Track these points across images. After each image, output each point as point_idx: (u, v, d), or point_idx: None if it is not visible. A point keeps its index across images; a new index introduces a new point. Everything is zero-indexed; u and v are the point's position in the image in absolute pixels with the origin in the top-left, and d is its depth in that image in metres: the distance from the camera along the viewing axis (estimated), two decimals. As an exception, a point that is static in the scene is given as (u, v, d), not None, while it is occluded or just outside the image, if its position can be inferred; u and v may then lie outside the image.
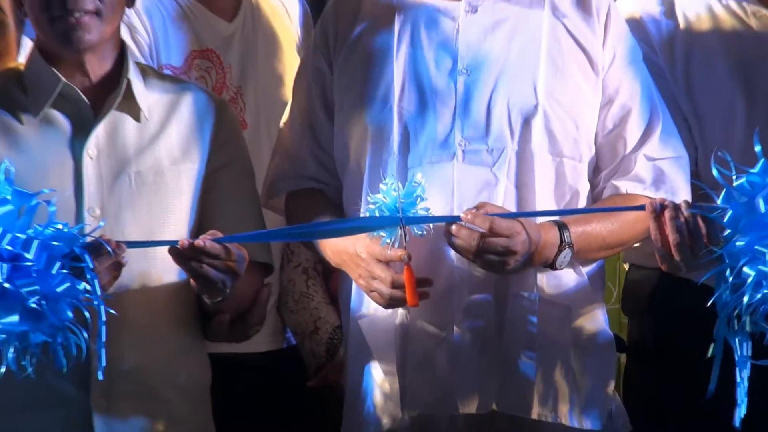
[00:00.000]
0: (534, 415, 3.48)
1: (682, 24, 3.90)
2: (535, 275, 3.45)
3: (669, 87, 3.80)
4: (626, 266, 4.07)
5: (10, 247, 3.00)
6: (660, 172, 3.50)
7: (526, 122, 3.48)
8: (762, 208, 3.11)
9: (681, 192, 3.49)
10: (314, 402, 3.96)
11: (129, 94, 3.41)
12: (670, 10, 3.93)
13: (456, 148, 3.48)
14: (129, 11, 3.70)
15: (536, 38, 3.55)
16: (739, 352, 3.18)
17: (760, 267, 3.09)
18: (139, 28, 3.92)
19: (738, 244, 3.13)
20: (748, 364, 3.19)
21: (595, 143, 3.58)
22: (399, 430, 3.55)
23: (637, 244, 3.69)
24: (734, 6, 3.90)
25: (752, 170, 3.13)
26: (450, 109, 3.51)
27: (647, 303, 3.91)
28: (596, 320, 3.62)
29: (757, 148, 3.14)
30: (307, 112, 3.70)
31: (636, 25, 3.87)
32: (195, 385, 3.59)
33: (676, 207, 3.19)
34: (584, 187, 3.54)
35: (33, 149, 3.37)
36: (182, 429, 3.53)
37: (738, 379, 3.19)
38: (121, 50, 3.50)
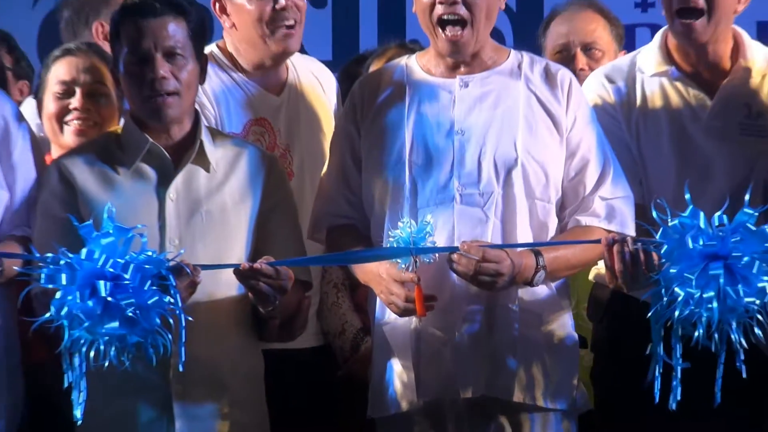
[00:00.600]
0: (516, 399, 3.55)
1: (639, 96, 3.91)
2: (516, 291, 3.51)
3: (625, 138, 3.84)
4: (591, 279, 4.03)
5: (112, 269, 3.09)
6: (612, 208, 3.55)
7: (509, 172, 3.56)
8: (690, 244, 3.21)
9: (628, 223, 3.57)
10: (343, 387, 3.97)
11: (201, 151, 3.51)
12: (632, 85, 3.93)
13: (455, 193, 3.56)
14: (200, 88, 3.74)
15: (514, 106, 3.62)
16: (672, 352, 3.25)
17: (688, 289, 3.18)
18: (206, 104, 3.95)
19: (671, 270, 3.22)
20: (679, 366, 3.26)
21: (561, 187, 3.63)
22: (414, 411, 3.59)
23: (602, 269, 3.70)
24: (680, 87, 3.90)
25: (683, 214, 3.22)
26: (449, 162, 3.59)
27: (605, 313, 3.92)
28: (564, 325, 3.68)
29: (687, 197, 3.23)
30: (341, 166, 3.74)
31: (605, 92, 3.92)
32: (252, 375, 3.62)
33: (623, 241, 3.30)
34: (553, 222, 3.60)
35: (127, 194, 3.45)
36: (242, 409, 3.55)
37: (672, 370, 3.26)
38: (196, 117, 3.59)
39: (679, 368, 3.29)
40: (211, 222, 3.53)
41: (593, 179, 3.64)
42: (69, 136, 3.83)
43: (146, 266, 3.17)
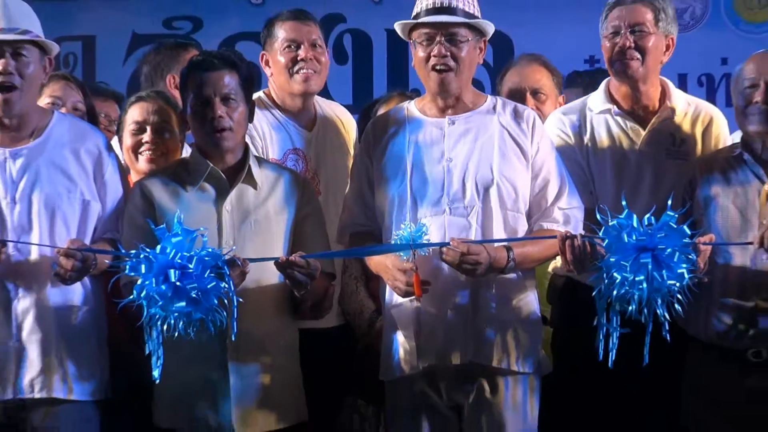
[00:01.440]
0: (494, 364, 3.54)
1: (589, 128, 3.91)
2: (494, 278, 3.50)
3: (579, 160, 3.84)
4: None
5: (180, 261, 3.15)
6: (567, 216, 3.55)
7: (486, 190, 3.56)
8: (625, 239, 3.24)
9: (579, 227, 3.54)
10: (361, 357, 3.95)
11: (249, 173, 3.53)
12: (583, 120, 3.93)
13: (445, 207, 3.56)
14: (250, 125, 3.74)
15: (490, 139, 3.62)
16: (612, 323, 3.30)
17: (624, 274, 3.21)
18: (255, 137, 3.96)
19: (611, 259, 3.25)
20: (616, 332, 3.30)
21: (528, 201, 3.62)
22: (415, 374, 3.57)
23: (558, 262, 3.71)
24: (620, 121, 3.89)
25: (620, 216, 3.27)
26: (441, 183, 3.59)
27: (560, 296, 3.92)
28: (530, 304, 3.65)
29: (624, 203, 3.28)
30: (359, 188, 3.75)
31: (563, 126, 3.93)
32: (289, 345, 3.62)
33: (574, 237, 3.33)
34: (522, 227, 3.58)
35: (193, 206, 3.47)
36: (281, 372, 3.56)
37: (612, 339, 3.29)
38: (246, 147, 3.61)
39: (616, 334, 3.31)
40: (257, 228, 3.54)
41: (553, 194, 3.63)
42: (143, 164, 3.84)
43: (206, 259, 3.21)
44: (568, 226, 3.56)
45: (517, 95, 4.15)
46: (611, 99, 3.95)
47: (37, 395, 3.44)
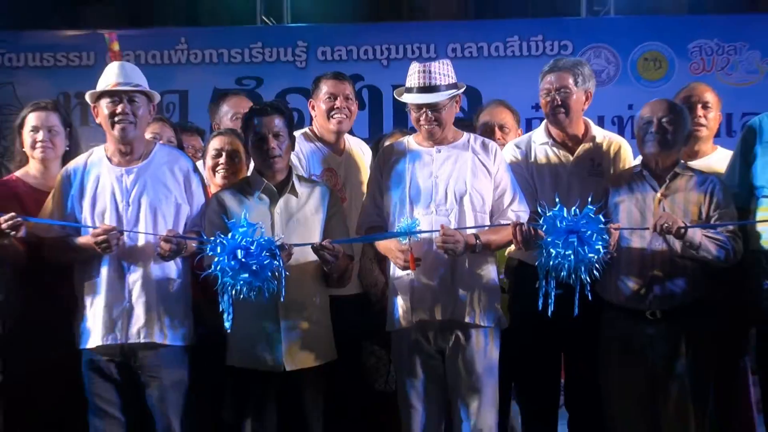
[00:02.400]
0: (466, 320, 3.51)
1: (533, 155, 3.87)
2: (466, 257, 3.49)
3: (527, 177, 3.81)
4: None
5: (244, 244, 3.21)
6: (518, 216, 3.53)
7: (461, 199, 3.55)
8: (558, 224, 3.29)
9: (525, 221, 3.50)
10: (374, 316, 3.85)
11: (293, 187, 3.54)
12: (529, 149, 3.88)
13: (433, 209, 3.55)
14: (294, 152, 3.77)
15: (465, 163, 3.61)
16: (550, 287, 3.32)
17: (557, 249, 3.26)
18: (302, 159, 3.94)
19: (548, 239, 3.30)
20: (553, 291, 3.34)
21: (491, 205, 3.61)
22: (410, 327, 3.55)
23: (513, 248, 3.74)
24: (555, 150, 3.85)
25: (555, 209, 3.32)
26: (429, 193, 3.57)
27: (513, 272, 3.89)
28: (491, 276, 3.61)
29: (557, 204, 3.33)
30: (373, 195, 3.72)
31: (516, 152, 3.89)
32: (322, 306, 3.60)
33: (522, 224, 3.39)
34: (486, 223, 3.58)
35: (252, 209, 3.45)
36: (317, 325, 3.55)
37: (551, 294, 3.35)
38: (290, 168, 3.62)
39: (553, 293, 3.34)
40: (299, 225, 3.54)
41: (508, 200, 3.62)
42: (219, 180, 3.84)
43: (263, 243, 3.25)
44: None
45: (488, 129, 4.14)
46: (549, 135, 3.90)
47: (142, 341, 3.46)
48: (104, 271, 3.48)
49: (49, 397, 3.64)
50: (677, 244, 3.39)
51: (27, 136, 3.75)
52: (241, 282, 3.24)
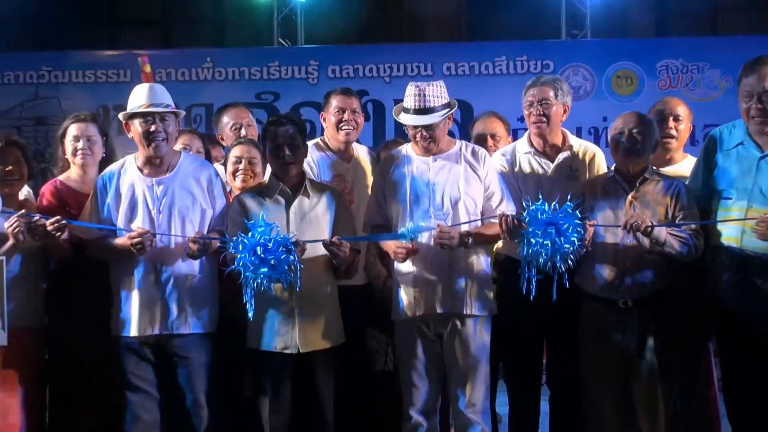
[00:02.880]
0: (463, 311, 3.52)
1: (518, 162, 3.81)
2: (461, 253, 3.50)
3: (512, 182, 3.74)
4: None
5: (263, 242, 3.21)
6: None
7: (456, 203, 3.54)
8: (539, 217, 3.30)
9: None
10: (379, 305, 3.79)
11: (305, 189, 3.53)
12: (514, 157, 3.82)
13: (431, 213, 3.53)
14: (307, 159, 3.75)
15: (458, 170, 3.59)
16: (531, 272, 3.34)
17: (537, 239, 3.27)
18: (314, 167, 3.90)
19: (529, 230, 3.30)
20: (534, 278, 3.34)
21: (482, 206, 3.58)
22: (413, 317, 3.55)
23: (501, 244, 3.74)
24: (537, 158, 3.78)
25: (537, 204, 3.34)
26: (428, 198, 3.55)
27: (501, 266, 3.79)
28: (484, 267, 3.59)
29: (539, 202, 3.35)
30: (376, 198, 3.69)
31: (502, 160, 3.83)
32: (332, 294, 3.59)
33: (507, 216, 3.38)
34: (477, 225, 3.55)
35: (270, 210, 3.47)
36: (328, 311, 3.54)
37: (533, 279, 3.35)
38: (303, 172, 3.62)
39: (534, 279, 3.35)
40: (311, 223, 3.53)
41: (496, 202, 3.59)
42: (239, 183, 3.82)
43: (279, 240, 3.26)
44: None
45: (482, 138, 4.09)
46: (531, 144, 3.86)
47: (174, 332, 3.48)
48: (140, 269, 3.49)
49: (90, 377, 3.64)
50: (645, 241, 3.38)
51: (69, 144, 3.76)
52: (262, 275, 3.25)
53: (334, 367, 3.59)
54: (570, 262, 3.33)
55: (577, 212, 3.35)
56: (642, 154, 3.53)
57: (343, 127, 3.98)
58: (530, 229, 3.34)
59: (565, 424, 3.80)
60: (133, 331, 3.48)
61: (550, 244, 3.30)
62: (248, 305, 3.33)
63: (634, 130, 3.49)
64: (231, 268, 3.31)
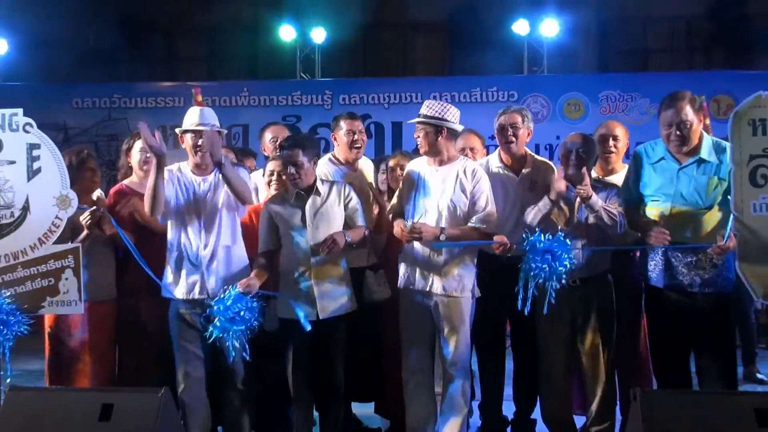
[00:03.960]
0: (448, 292, 3.42)
1: (489, 172, 3.64)
2: (451, 248, 3.43)
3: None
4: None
5: (230, 308, 3.21)
6: (481, 220, 3.43)
7: (448, 207, 3.43)
8: (537, 245, 3.22)
9: (490, 225, 3.47)
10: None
11: (316, 189, 3.43)
12: (487, 169, 3.64)
13: (423, 214, 3.45)
14: (326, 172, 3.73)
15: (453, 182, 3.45)
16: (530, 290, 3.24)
17: (536, 264, 3.20)
18: (326, 177, 3.76)
19: (529, 256, 3.23)
20: (531, 293, 3.24)
21: (467, 211, 3.45)
22: (411, 289, 3.47)
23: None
24: (505, 171, 3.71)
25: (536, 235, 3.25)
26: (424, 203, 3.47)
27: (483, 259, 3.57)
28: (470, 261, 3.48)
29: (538, 233, 3.26)
30: (400, 194, 3.61)
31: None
32: (345, 270, 3.48)
33: (505, 246, 3.33)
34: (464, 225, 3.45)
35: (289, 209, 3.42)
36: (341, 284, 3.46)
37: (529, 296, 3.24)
38: (315, 179, 3.47)
39: (530, 297, 3.27)
40: (324, 216, 3.44)
41: (480, 208, 3.46)
42: (272, 191, 3.70)
43: (234, 297, 3.23)
44: (484, 225, 3.45)
45: (462, 150, 3.92)
46: (501, 160, 3.80)
47: (208, 295, 3.40)
48: (186, 244, 3.43)
49: (149, 338, 3.61)
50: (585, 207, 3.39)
51: (136, 155, 3.72)
52: (239, 332, 3.21)
53: (347, 331, 3.50)
54: (563, 281, 3.24)
55: (567, 241, 3.27)
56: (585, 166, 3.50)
57: (354, 147, 3.91)
58: (530, 256, 3.23)
59: (525, 378, 3.76)
60: (178, 293, 3.40)
61: (547, 268, 3.20)
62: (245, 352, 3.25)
63: (580, 150, 3.44)
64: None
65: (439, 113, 3.47)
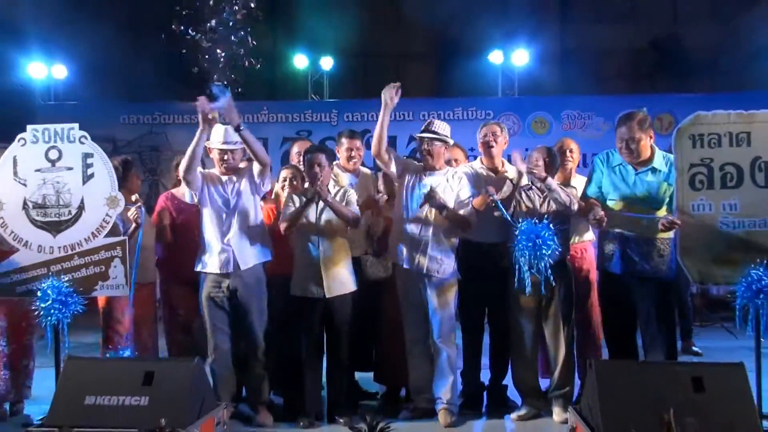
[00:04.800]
0: (432, 273, 3.39)
1: (474, 173, 3.59)
2: (438, 233, 3.41)
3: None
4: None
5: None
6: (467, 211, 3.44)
7: (438, 207, 3.37)
8: (525, 228, 3.20)
9: (473, 219, 3.44)
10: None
11: (327, 189, 3.41)
12: (473, 170, 3.65)
13: (415, 209, 3.44)
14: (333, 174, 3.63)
15: (441, 185, 3.43)
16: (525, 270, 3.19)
17: (527, 244, 3.18)
18: (337, 177, 3.73)
19: (520, 237, 3.21)
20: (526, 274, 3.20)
21: (455, 205, 3.42)
22: (404, 269, 3.43)
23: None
24: (487, 173, 3.65)
25: (526, 222, 3.23)
26: (418, 201, 3.42)
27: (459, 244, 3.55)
28: (452, 247, 3.43)
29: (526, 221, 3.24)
30: (400, 160, 3.56)
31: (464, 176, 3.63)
32: (347, 256, 3.47)
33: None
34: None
35: (306, 203, 3.40)
36: (345, 268, 3.43)
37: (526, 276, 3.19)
38: (329, 180, 3.47)
39: (527, 275, 3.22)
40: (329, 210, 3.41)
41: (464, 197, 3.44)
42: (285, 193, 3.63)
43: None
44: (467, 213, 3.42)
45: (448, 162, 3.79)
46: (482, 163, 3.76)
47: (237, 268, 3.40)
48: (213, 225, 3.41)
49: (186, 312, 3.61)
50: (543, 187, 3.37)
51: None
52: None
53: (350, 307, 3.47)
54: (550, 259, 3.19)
55: (550, 225, 3.22)
56: (548, 173, 3.50)
57: (351, 160, 3.86)
58: (520, 237, 3.21)
59: (499, 350, 3.72)
60: (210, 268, 3.39)
61: (533, 251, 3.18)
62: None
63: (546, 159, 3.44)
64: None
65: (448, 132, 3.50)
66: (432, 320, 3.47)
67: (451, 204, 3.44)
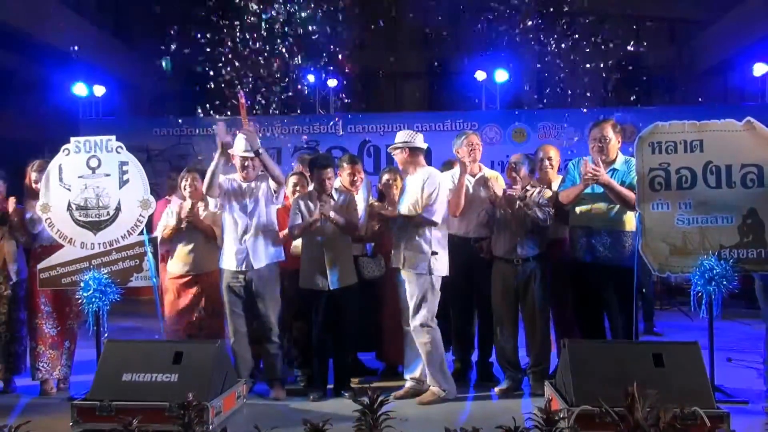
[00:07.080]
0: (411, 269, 3.28)
1: (457, 179, 3.51)
2: (411, 234, 3.30)
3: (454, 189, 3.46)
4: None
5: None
6: (431, 212, 3.30)
7: (410, 204, 3.32)
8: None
9: (438, 217, 3.30)
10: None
11: (331, 195, 3.40)
12: (454, 176, 3.56)
13: (399, 206, 3.39)
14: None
15: (417, 186, 3.34)
16: None
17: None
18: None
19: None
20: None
21: (423, 205, 3.29)
22: (393, 267, 3.33)
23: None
24: (468, 178, 3.58)
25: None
26: (402, 199, 3.40)
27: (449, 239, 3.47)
28: (423, 245, 3.28)
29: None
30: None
31: (449, 179, 3.56)
32: (348, 254, 3.43)
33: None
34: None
35: (312, 207, 3.37)
36: (347, 263, 3.39)
37: None
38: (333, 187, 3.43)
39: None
40: (335, 212, 3.36)
41: (431, 203, 3.31)
42: (293, 196, 3.62)
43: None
44: (431, 215, 3.27)
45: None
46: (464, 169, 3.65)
47: (252, 268, 3.38)
48: (232, 228, 3.40)
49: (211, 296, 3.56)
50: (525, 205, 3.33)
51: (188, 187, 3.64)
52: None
53: (353, 297, 3.43)
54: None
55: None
56: (525, 177, 3.50)
57: (354, 185, 3.70)
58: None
59: (486, 333, 3.70)
60: (228, 265, 3.37)
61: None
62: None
63: (524, 164, 3.43)
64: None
65: (406, 138, 3.39)
66: (408, 305, 3.35)
67: (419, 204, 3.32)
